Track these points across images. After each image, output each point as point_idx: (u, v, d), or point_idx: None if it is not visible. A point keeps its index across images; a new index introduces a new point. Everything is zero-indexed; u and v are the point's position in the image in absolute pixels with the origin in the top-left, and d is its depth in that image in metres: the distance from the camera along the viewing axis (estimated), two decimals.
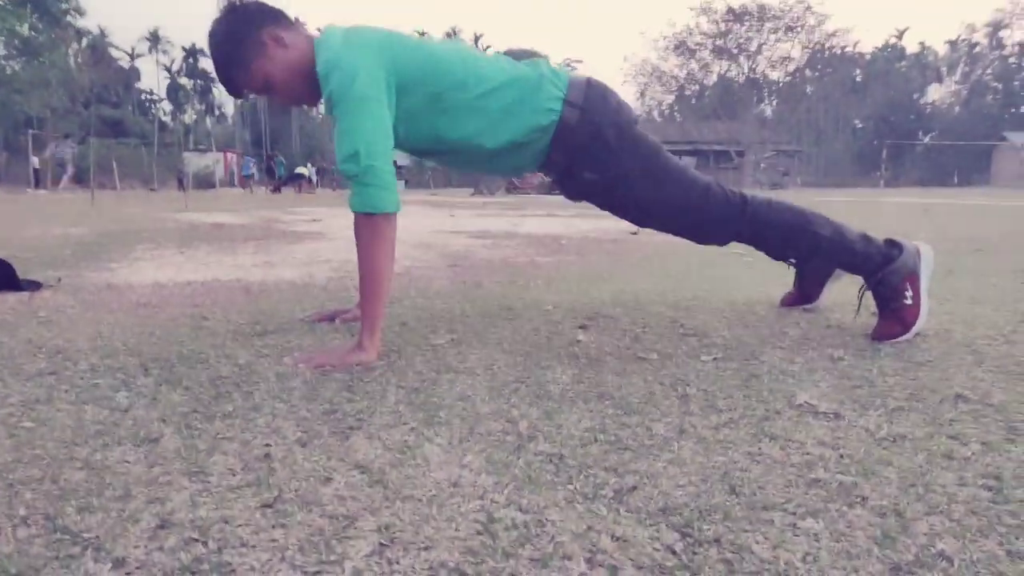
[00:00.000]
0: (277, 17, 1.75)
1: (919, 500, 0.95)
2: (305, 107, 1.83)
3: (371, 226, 1.65)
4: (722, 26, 37.97)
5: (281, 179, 25.22)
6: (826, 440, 1.16)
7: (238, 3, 1.76)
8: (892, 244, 1.90)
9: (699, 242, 2.02)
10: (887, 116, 54.19)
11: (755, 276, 2.98)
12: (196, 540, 0.83)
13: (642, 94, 41.12)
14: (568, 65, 62.82)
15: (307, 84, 1.74)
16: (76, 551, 0.81)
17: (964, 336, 1.90)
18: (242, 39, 1.72)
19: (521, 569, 0.78)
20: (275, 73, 1.74)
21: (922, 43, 78.63)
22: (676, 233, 2.00)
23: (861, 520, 0.89)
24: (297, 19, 1.80)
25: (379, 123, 1.63)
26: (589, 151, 1.83)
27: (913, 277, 1.85)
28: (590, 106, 1.80)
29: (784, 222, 1.90)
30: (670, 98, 41.58)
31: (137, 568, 0.78)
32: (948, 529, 0.87)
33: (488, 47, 78.51)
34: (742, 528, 0.87)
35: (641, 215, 1.97)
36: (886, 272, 1.85)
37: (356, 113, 1.61)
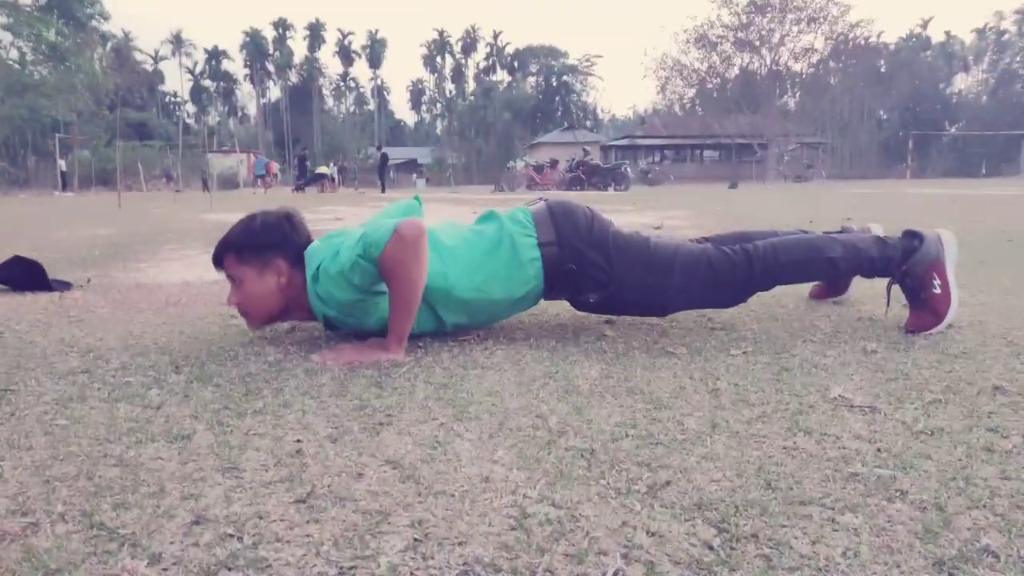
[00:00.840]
0: (299, 252, 1.78)
1: (960, 494, 0.93)
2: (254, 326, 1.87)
3: (401, 241, 1.57)
4: (743, 18, 37.61)
5: (304, 179, 25.43)
6: (862, 434, 1.14)
7: (288, 222, 1.82)
8: (912, 235, 1.86)
9: (723, 307, 2.01)
10: (913, 107, 53.37)
11: None
12: (231, 535, 0.84)
13: (663, 88, 40.84)
14: (588, 62, 62.49)
15: (279, 314, 1.82)
16: (113, 547, 0.82)
17: (999, 327, 1.86)
18: (260, 246, 1.77)
19: (556, 564, 0.77)
20: (258, 293, 1.77)
21: (948, 32, 77.53)
22: (697, 308, 2.00)
23: (901, 515, 0.87)
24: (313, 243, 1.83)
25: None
26: (583, 276, 1.80)
27: (938, 265, 1.81)
28: (564, 237, 1.78)
29: (795, 260, 1.85)
30: (691, 92, 41.21)
31: (173, 564, 0.78)
32: (992, 523, 0.85)
33: (507, 44, 78.44)
34: (780, 523, 0.85)
35: (657, 308, 1.94)
36: (910, 264, 1.81)
37: (347, 251, 1.63)
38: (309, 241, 1.82)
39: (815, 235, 1.91)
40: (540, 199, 1.92)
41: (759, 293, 1.90)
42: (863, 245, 1.87)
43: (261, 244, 1.77)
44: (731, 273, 1.82)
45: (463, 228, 1.88)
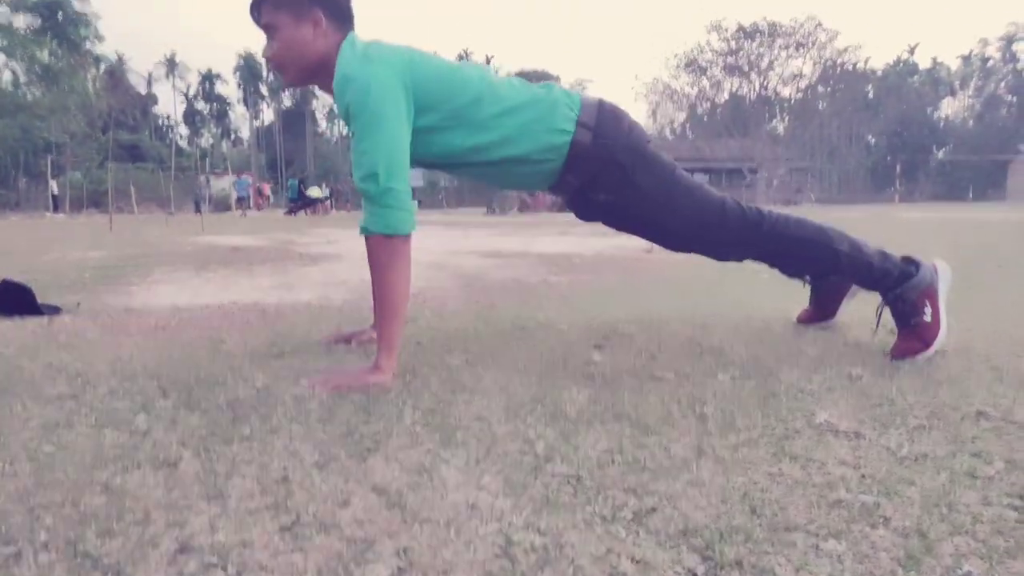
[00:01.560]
0: (340, 13, 1.77)
1: (943, 520, 0.93)
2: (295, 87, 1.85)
3: (389, 248, 1.65)
4: (733, 44, 38.11)
5: (294, 202, 25.42)
6: (847, 460, 1.15)
7: None
8: (909, 261, 1.89)
9: (716, 259, 2.02)
10: (900, 131, 53.93)
11: (771, 293, 2.96)
12: (215, 565, 0.84)
13: (653, 112, 41.26)
14: (580, 86, 63.15)
15: (312, 70, 1.80)
16: None
17: (984, 352, 1.88)
18: None
19: None
20: (292, 42, 1.76)
21: (934, 58, 78.57)
22: (693, 251, 2.00)
23: (884, 541, 0.88)
24: (352, 30, 1.80)
25: (397, 142, 1.65)
26: (602, 173, 1.83)
27: (931, 293, 1.83)
28: (603, 128, 1.80)
29: (802, 237, 1.89)
30: (681, 116, 41.68)
31: None
32: (974, 550, 0.86)
33: (500, 67, 79.17)
34: (764, 550, 0.86)
35: (656, 234, 1.98)
36: (904, 288, 1.84)
37: (373, 130, 1.62)
38: (351, 12, 1.80)
39: (827, 224, 1.94)
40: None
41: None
42: (867, 250, 1.90)
43: None
44: (740, 222, 1.86)
45: (516, 79, 1.89)
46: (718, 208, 1.87)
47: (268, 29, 1.79)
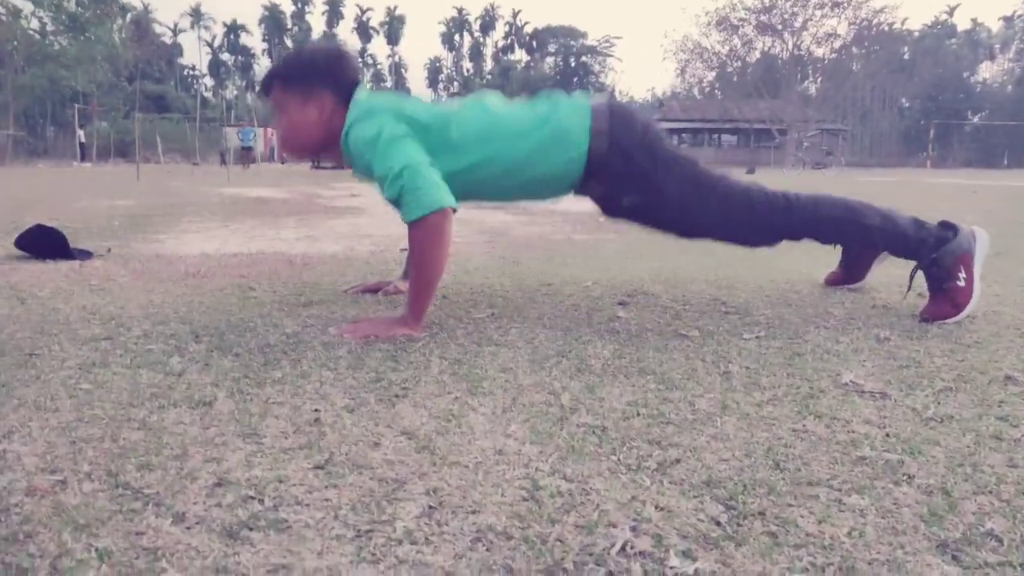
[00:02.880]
0: (346, 92, 1.79)
1: (967, 480, 0.94)
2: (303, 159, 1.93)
3: (430, 226, 1.61)
4: (766, 1, 37.12)
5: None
6: (872, 419, 1.16)
7: (339, 59, 1.84)
8: (947, 226, 1.86)
9: (748, 247, 2.00)
10: (935, 95, 52.60)
11: (797, 255, 2.94)
12: (252, 497, 0.86)
13: (683, 71, 40.49)
14: (607, 43, 62.06)
15: (315, 147, 1.89)
16: (138, 505, 0.85)
17: (1013, 318, 1.86)
18: (309, 77, 1.80)
19: (567, 534, 0.79)
20: (298, 122, 1.81)
21: (974, 19, 76.21)
22: (724, 241, 1.99)
23: (908, 498, 0.89)
24: (361, 88, 1.81)
25: (413, 147, 1.66)
26: (623, 177, 1.81)
27: (967, 259, 1.81)
28: (616, 133, 1.78)
29: (831, 217, 1.86)
30: (711, 75, 40.83)
31: (196, 523, 0.81)
32: (997, 509, 0.86)
33: (527, 23, 77.92)
34: (787, 502, 0.87)
35: (686, 229, 1.95)
36: (941, 253, 1.81)
37: (388, 149, 1.64)
38: (357, 83, 1.83)
39: (857, 200, 1.91)
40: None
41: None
42: (901, 222, 1.87)
43: (308, 74, 1.81)
44: (768, 214, 1.83)
45: (516, 103, 1.88)
46: (745, 199, 1.83)
47: (276, 106, 1.83)
